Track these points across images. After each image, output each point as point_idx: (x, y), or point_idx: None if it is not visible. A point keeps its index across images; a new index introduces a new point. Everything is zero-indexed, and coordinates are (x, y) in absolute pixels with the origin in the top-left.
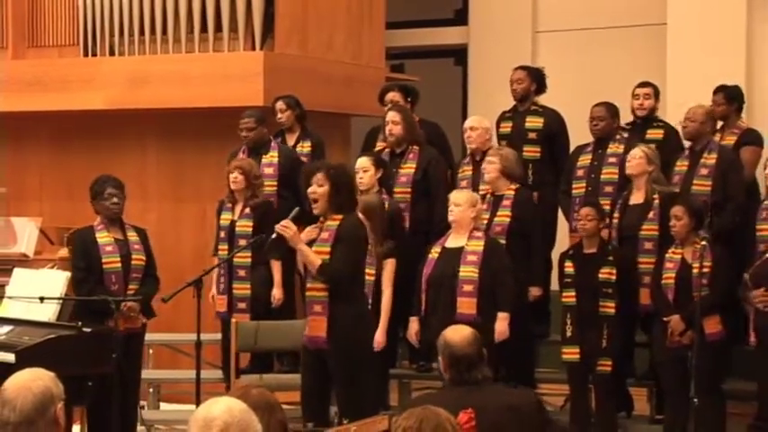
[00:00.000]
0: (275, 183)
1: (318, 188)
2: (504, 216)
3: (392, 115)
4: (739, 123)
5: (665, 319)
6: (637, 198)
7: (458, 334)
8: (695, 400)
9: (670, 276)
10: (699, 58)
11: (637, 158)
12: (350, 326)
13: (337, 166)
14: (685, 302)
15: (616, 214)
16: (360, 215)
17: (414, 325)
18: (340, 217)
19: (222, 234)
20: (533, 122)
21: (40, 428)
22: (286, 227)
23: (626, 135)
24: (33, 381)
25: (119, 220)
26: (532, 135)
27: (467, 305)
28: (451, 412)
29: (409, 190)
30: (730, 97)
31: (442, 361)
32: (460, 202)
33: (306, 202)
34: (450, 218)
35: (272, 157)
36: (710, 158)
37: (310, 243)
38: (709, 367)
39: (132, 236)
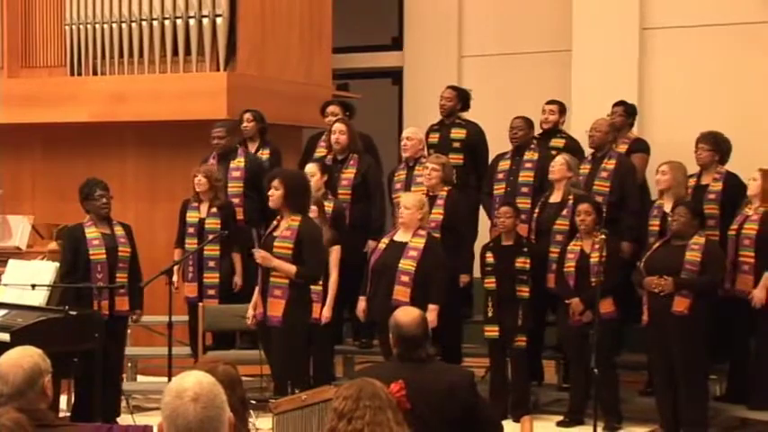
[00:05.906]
0: (242, 184)
1: (275, 191)
2: (437, 214)
3: (339, 126)
4: (629, 134)
5: (566, 301)
6: (555, 198)
7: (407, 316)
8: (595, 370)
9: (571, 265)
10: (598, 80)
11: (559, 165)
12: (296, 307)
13: (292, 173)
14: (584, 287)
15: (537, 210)
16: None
17: (361, 303)
18: (298, 218)
19: (191, 230)
20: (457, 134)
21: (30, 399)
22: (262, 256)
23: (533, 145)
24: (24, 357)
25: (107, 217)
26: (456, 144)
27: (401, 293)
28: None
29: (349, 192)
30: (629, 112)
31: (391, 338)
32: (410, 206)
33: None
34: (401, 219)
35: (239, 162)
36: (610, 164)
37: (273, 240)
38: (605, 342)
39: (119, 230)
